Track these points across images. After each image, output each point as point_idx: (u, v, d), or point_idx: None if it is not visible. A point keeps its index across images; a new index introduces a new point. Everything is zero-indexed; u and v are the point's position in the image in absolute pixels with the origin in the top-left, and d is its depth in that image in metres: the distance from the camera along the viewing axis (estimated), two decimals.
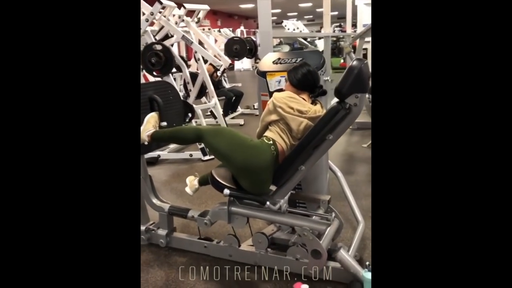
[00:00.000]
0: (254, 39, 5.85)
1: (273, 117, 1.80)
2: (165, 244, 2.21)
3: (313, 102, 1.88)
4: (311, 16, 21.31)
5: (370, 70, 1.47)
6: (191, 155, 4.00)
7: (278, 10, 16.99)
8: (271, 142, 1.77)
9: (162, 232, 2.22)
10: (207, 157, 3.94)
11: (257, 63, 14.39)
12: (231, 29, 8.27)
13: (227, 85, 6.94)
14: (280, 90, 2.08)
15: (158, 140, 2.04)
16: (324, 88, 2.24)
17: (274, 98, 1.81)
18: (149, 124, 2.02)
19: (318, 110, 1.82)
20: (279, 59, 2.22)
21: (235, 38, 5.65)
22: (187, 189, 2.17)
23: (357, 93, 1.57)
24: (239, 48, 5.37)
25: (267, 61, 2.26)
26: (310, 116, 1.77)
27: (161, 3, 3.60)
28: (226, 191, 1.81)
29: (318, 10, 17.87)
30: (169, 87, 2.25)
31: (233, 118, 5.88)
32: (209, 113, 5.10)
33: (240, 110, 6.32)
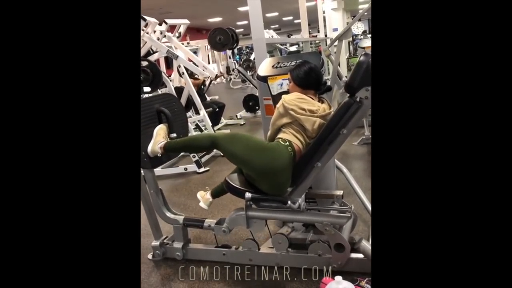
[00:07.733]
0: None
1: (285, 120, 1.81)
2: (181, 257, 2.20)
3: (320, 100, 1.91)
4: (277, 26, 21.67)
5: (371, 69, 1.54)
6: (185, 168, 3.97)
7: (245, 22, 17.20)
8: (287, 143, 1.78)
9: (178, 245, 2.20)
10: (202, 169, 3.94)
11: (230, 74, 14.32)
12: None
13: (208, 98, 6.97)
14: (284, 92, 2.12)
15: (171, 151, 2.04)
16: None
17: (284, 101, 1.80)
18: (159, 136, 2.01)
19: (326, 108, 1.86)
20: (278, 63, 2.28)
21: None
22: (202, 204, 2.15)
23: (367, 87, 1.63)
24: None
25: (266, 66, 2.31)
26: (321, 115, 1.80)
27: (144, 19, 3.61)
28: (248, 195, 1.82)
29: (284, 19, 18.21)
30: (173, 99, 2.26)
31: (218, 129, 5.90)
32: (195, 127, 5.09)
33: (224, 121, 6.34)
